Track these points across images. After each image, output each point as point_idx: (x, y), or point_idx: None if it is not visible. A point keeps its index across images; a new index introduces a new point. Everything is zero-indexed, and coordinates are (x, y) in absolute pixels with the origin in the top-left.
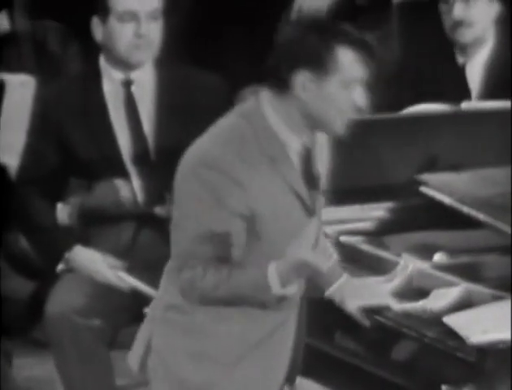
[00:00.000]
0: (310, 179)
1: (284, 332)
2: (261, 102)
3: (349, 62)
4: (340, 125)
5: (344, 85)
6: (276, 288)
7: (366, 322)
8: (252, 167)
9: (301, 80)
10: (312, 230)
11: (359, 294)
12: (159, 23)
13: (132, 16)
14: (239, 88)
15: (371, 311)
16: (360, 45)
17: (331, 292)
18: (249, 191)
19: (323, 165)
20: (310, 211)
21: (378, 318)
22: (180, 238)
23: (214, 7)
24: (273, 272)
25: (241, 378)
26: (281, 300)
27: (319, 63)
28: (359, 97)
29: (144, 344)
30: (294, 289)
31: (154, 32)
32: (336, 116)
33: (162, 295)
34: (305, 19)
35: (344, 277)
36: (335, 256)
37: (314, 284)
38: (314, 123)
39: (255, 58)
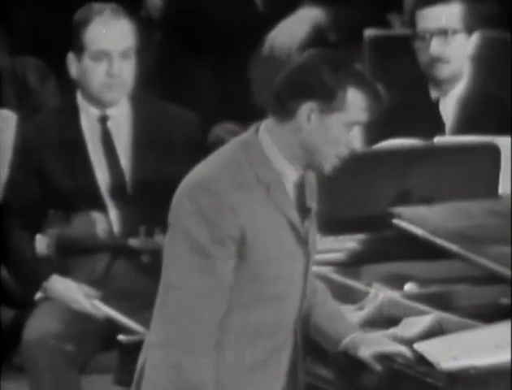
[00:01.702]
0: (304, 209)
1: (278, 359)
2: (259, 131)
3: (357, 104)
4: (330, 164)
5: (347, 125)
6: None
7: (378, 368)
8: (246, 193)
9: (307, 110)
10: None
11: (373, 342)
12: (132, 61)
13: (105, 55)
14: (210, 123)
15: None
16: (371, 91)
17: (344, 344)
18: (241, 215)
19: (313, 196)
20: (302, 240)
21: None
22: (172, 260)
23: (185, 44)
24: None
25: None
26: None
27: (330, 98)
28: (355, 138)
29: (139, 370)
30: None
31: (127, 71)
32: (331, 153)
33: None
34: (318, 51)
35: (357, 330)
36: None
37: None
38: (308, 156)
39: (226, 94)
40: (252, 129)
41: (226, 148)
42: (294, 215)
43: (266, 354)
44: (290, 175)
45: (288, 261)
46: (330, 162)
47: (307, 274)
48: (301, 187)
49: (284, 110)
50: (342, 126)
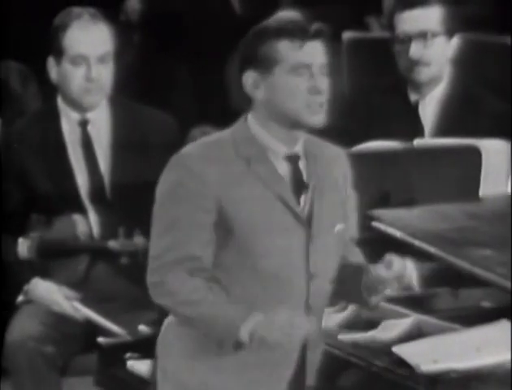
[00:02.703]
0: (300, 184)
1: (277, 373)
2: (248, 116)
3: (290, 49)
4: (311, 115)
5: (292, 72)
6: (244, 336)
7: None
8: (220, 167)
9: (250, 80)
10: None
11: None
12: (110, 65)
13: (83, 60)
14: (188, 126)
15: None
16: (300, 32)
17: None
18: (213, 187)
19: (319, 170)
20: (298, 216)
21: (327, 347)
22: (153, 234)
23: (163, 47)
24: (247, 327)
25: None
26: (240, 348)
27: (260, 60)
28: (315, 81)
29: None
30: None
31: (105, 75)
32: (301, 105)
33: None
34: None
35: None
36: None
37: None
38: (284, 120)
39: (203, 97)
40: (241, 118)
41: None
42: (283, 189)
43: (266, 367)
44: (278, 149)
45: (281, 236)
46: (306, 112)
47: (309, 253)
48: (295, 163)
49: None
50: (288, 75)
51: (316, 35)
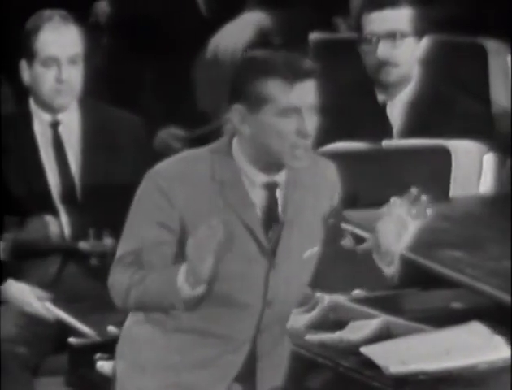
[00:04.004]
0: (272, 214)
1: (227, 362)
2: (234, 140)
3: (281, 91)
4: (293, 156)
5: (281, 114)
6: (185, 290)
7: None
8: (192, 186)
9: (237, 114)
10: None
11: None
12: (80, 67)
13: (54, 61)
14: (155, 126)
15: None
16: (292, 72)
17: None
18: (178, 206)
19: (296, 204)
20: (263, 246)
21: (294, 347)
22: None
23: (131, 48)
24: (182, 274)
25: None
26: (190, 302)
27: (250, 97)
28: (303, 123)
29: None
30: (202, 289)
31: (75, 76)
32: (284, 147)
33: None
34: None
35: None
36: None
37: None
38: (264, 155)
39: (170, 98)
40: (226, 137)
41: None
42: (250, 217)
43: (214, 355)
44: (256, 177)
45: (241, 262)
46: (290, 155)
47: (268, 283)
48: (272, 189)
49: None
50: (277, 116)
51: (307, 75)
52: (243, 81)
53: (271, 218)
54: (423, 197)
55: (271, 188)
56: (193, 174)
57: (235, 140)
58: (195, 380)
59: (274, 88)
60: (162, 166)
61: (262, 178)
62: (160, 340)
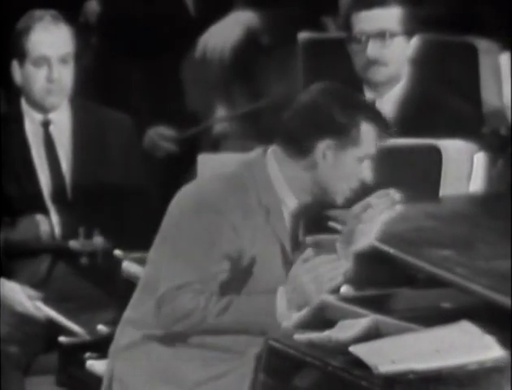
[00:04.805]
0: (296, 240)
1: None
2: (267, 156)
3: (369, 137)
4: (343, 196)
5: (360, 159)
6: (283, 312)
7: None
8: (248, 215)
9: (323, 148)
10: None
11: None
12: (71, 66)
13: (45, 61)
14: (144, 126)
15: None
16: (380, 123)
17: None
18: (242, 236)
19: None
20: (289, 266)
21: (282, 346)
22: (170, 270)
23: (120, 48)
24: (282, 296)
25: None
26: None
27: (344, 135)
28: (366, 170)
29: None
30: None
31: (66, 76)
32: (345, 188)
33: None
34: (326, 86)
35: None
36: None
37: None
38: (321, 191)
39: (159, 98)
40: (259, 152)
41: (232, 168)
42: (288, 244)
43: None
44: (290, 203)
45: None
46: (343, 195)
47: None
48: (297, 218)
49: (299, 147)
50: (356, 160)
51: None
52: (339, 119)
53: (296, 246)
54: (392, 192)
55: (299, 216)
56: (245, 201)
57: (272, 159)
58: None
59: (366, 132)
60: (212, 194)
61: (294, 202)
62: (183, 355)
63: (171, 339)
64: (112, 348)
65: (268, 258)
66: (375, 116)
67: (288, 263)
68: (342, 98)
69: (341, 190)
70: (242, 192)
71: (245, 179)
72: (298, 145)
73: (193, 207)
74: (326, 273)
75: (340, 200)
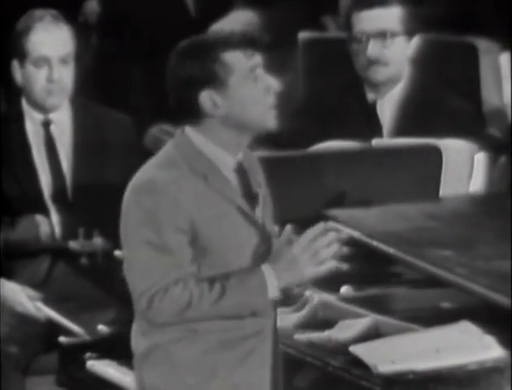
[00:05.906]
0: (251, 195)
1: (260, 354)
2: (185, 131)
3: (243, 61)
4: (269, 118)
5: (253, 75)
6: (274, 291)
7: None
8: (184, 185)
9: (208, 99)
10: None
11: None
12: (71, 66)
13: (45, 61)
14: (145, 125)
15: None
16: (244, 44)
17: None
18: (185, 207)
19: (258, 180)
20: (258, 226)
21: (282, 346)
22: (134, 266)
23: (120, 48)
24: (269, 274)
25: None
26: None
27: (213, 77)
28: (265, 77)
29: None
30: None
31: (66, 76)
32: (261, 109)
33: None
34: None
35: None
36: None
37: None
38: (243, 130)
39: (160, 96)
40: (179, 132)
41: (161, 150)
42: (241, 201)
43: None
44: (227, 161)
45: (247, 249)
46: (269, 117)
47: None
48: (242, 173)
49: (194, 114)
50: (249, 79)
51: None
52: (202, 65)
53: (252, 200)
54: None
55: (242, 171)
56: (179, 174)
57: (188, 129)
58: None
59: (234, 60)
60: (151, 176)
61: (231, 160)
62: (202, 346)
63: (182, 337)
64: (134, 359)
65: (223, 220)
66: (235, 42)
67: (252, 222)
68: (187, 51)
69: (262, 114)
70: (173, 167)
71: (172, 155)
72: (190, 112)
73: (133, 199)
74: (323, 247)
75: (270, 123)
